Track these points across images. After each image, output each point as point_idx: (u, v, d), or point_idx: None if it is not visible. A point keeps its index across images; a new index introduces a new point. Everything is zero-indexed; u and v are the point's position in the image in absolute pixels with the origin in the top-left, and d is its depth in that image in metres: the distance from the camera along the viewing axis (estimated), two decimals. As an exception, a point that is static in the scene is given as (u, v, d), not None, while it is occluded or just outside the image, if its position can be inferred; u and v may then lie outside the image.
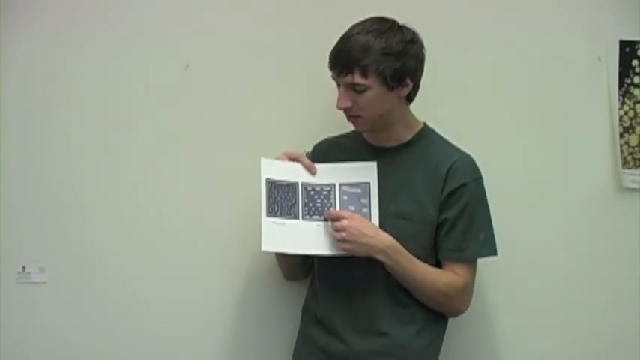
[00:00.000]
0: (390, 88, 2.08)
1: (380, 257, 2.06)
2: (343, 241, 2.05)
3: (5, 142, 2.31)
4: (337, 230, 2.06)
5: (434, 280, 2.11)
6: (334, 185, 2.16)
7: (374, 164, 2.16)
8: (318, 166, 2.17)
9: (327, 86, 2.24)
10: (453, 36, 2.40)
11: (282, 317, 2.36)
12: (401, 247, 2.08)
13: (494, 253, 2.17)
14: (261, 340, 2.38)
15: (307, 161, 2.17)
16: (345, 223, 2.05)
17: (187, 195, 2.36)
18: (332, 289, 2.17)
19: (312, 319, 2.22)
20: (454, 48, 2.40)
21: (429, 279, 2.10)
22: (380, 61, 2.05)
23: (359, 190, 2.15)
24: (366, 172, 2.16)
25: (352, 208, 2.13)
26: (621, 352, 2.46)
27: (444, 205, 2.11)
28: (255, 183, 2.21)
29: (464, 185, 2.11)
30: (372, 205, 2.13)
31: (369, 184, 2.15)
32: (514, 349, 2.45)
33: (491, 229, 2.16)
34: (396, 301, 2.12)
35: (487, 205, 2.17)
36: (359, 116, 2.11)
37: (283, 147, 2.23)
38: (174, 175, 2.36)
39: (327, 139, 2.30)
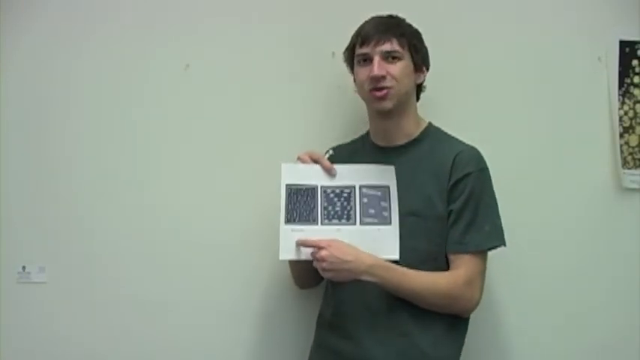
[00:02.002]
0: (415, 68, 2.15)
1: (365, 278, 2.05)
2: (324, 270, 2.04)
3: (5, 142, 2.31)
4: (317, 260, 2.05)
5: (432, 285, 2.07)
6: (354, 187, 2.14)
7: (392, 168, 2.15)
8: (338, 167, 2.16)
9: (328, 87, 2.25)
10: (452, 36, 2.41)
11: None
12: (386, 264, 2.05)
13: (502, 243, 2.14)
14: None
15: (327, 162, 2.16)
16: (323, 253, 2.03)
17: (186, 195, 2.35)
18: (346, 293, 2.15)
19: (326, 325, 2.20)
20: (454, 48, 2.40)
21: (426, 286, 2.07)
22: (412, 35, 2.15)
23: (379, 193, 2.13)
24: (385, 174, 2.14)
25: (372, 211, 2.12)
26: (621, 352, 2.46)
27: (450, 197, 2.10)
28: (254, 184, 2.22)
29: (467, 175, 2.10)
30: (392, 209, 2.12)
31: (388, 187, 2.13)
32: (513, 347, 2.45)
33: (498, 220, 2.13)
34: (412, 304, 2.08)
35: (493, 196, 2.14)
36: (390, 87, 2.11)
37: (283, 147, 2.23)
38: (172, 175, 2.36)
39: (339, 145, 2.29)
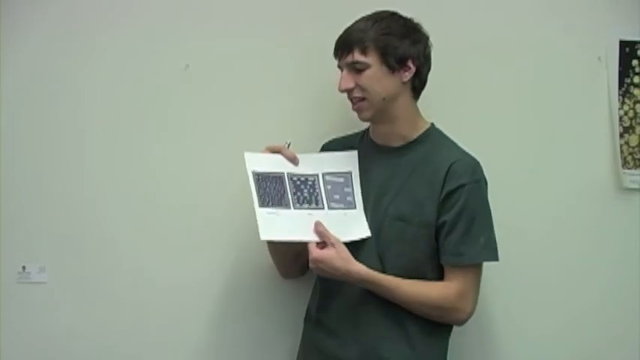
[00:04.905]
0: (392, 70, 2.09)
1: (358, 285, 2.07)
2: (317, 269, 2.07)
3: (6, 142, 2.31)
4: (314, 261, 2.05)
5: (423, 296, 2.06)
6: (317, 175, 2.19)
7: (355, 153, 2.19)
8: (301, 157, 2.19)
9: (327, 86, 2.25)
10: (452, 36, 2.40)
11: (286, 320, 2.36)
12: (375, 278, 2.05)
13: (496, 258, 2.12)
14: (266, 342, 2.38)
15: (289, 152, 2.18)
16: (319, 262, 2.04)
17: (187, 195, 2.36)
18: (331, 292, 2.16)
19: (312, 321, 2.21)
20: (454, 48, 2.40)
21: (417, 297, 2.06)
22: (379, 39, 2.08)
23: (342, 180, 2.18)
24: (347, 160, 2.20)
25: (337, 196, 2.16)
26: (621, 352, 2.46)
27: (442, 208, 2.08)
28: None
29: (462, 186, 2.08)
30: (355, 193, 2.16)
31: (350, 173, 2.18)
32: (512, 348, 2.45)
33: (493, 233, 2.12)
34: (391, 305, 2.08)
35: (488, 208, 2.12)
36: (363, 99, 2.11)
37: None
38: (174, 175, 2.36)
39: (334, 140, 2.30)
